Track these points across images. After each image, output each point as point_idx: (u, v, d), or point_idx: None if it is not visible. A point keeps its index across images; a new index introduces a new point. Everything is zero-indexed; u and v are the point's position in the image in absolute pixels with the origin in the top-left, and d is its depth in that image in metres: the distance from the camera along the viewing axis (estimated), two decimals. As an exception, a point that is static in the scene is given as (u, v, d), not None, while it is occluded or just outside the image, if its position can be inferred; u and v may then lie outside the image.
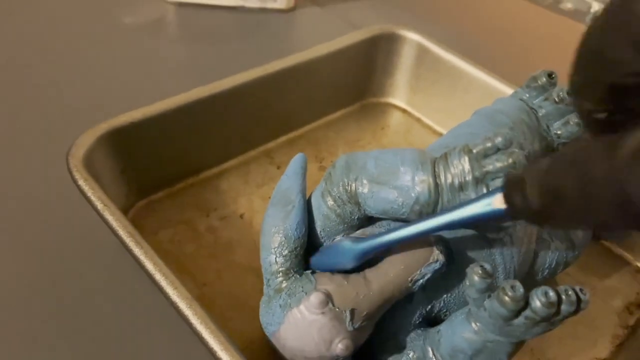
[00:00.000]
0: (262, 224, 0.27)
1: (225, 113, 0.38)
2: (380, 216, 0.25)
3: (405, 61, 0.46)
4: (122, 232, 0.27)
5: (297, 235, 0.25)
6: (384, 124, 0.46)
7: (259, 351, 0.30)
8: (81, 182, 0.29)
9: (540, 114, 0.32)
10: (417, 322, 0.26)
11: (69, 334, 0.29)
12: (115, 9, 0.53)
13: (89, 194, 0.28)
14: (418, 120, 0.47)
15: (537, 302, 0.20)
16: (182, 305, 0.24)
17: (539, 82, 0.33)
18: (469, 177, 0.23)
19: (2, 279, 0.31)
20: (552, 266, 0.28)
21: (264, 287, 0.26)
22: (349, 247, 0.24)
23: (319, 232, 0.26)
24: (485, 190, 0.22)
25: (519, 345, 0.23)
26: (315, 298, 0.23)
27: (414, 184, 0.23)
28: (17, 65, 0.45)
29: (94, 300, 0.30)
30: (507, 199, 0.19)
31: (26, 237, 0.33)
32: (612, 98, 0.16)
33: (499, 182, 0.22)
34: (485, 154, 0.23)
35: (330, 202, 0.25)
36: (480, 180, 0.23)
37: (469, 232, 0.26)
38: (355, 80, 0.46)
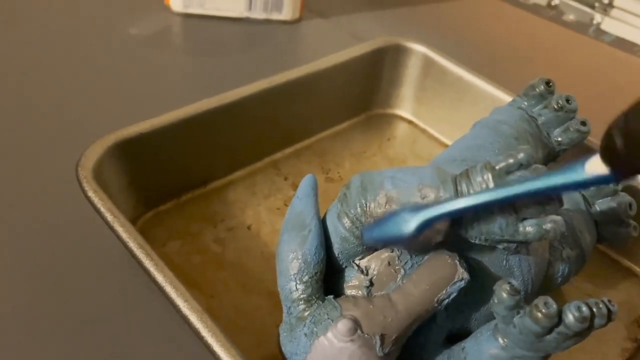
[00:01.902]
0: (278, 249, 0.26)
1: (232, 124, 0.38)
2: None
3: (411, 73, 0.46)
4: (132, 244, 0.27)
5: (316, 260, 0.25)
6: (390, 135, 0.46)
7: (268, 364, 0.30)
8: (91, 194, 0.29)
9: (540, 122, 0.32)
10: (440, 340, 0.26)
11: (78, 345, 0.29)
12: (121, 20, 0.53)
13: (99, 205, 0.28)
14: (424, 131, 0.47)
15: (570, 318, 0.20)
16: (193, 319, 0.24)
17: (537, 90, 0.33)
18: None
19: (11, 289, 0.31)
20: (565, 274, 0.28)
21: (284, 314, 0.25)
22: (409, 214, 0.23)
23: (336, 254, 0.26)
24: (511, 209, 0.22)
25: (545, 358, 0.23)
26: (343, 325, 0.22)
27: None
28: (25, 78, 0.45)
29: (103, 311, 0.30)
30: (603, 155, 0.18)
31: (34, 247, 0.33)
32: None
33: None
34: (508, 171, 0.22)
35: (348, 224, 0.25)
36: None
37: (486, 246, 0.25)
38: (361, 92, 0.46)
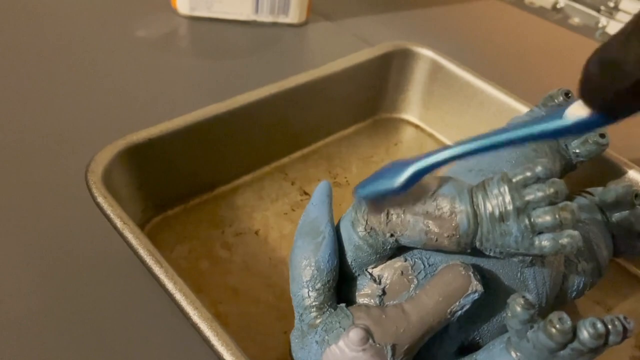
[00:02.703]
0: (291, 255, 0.26)
1: (239, 129, 0.38)
2: (416, 247, 0.25)
3: (418, 77, 0.46)
4: (142, 252, 0.27)
5: (329, 267, 0.25)
6: (397, 139, 0.46)
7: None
8: (100, 199, 0.29)
9: None
10: (452, 351, 0.25)
11: (86, 350, 0.29)
12: (128, 23, 0.53)
13: (109, 211, 0.28)
14: (431, 135, 0.47)
15: (585, 334, 0.20)
16: (204, 327, 0.24)
17: (556, 101, 0.33)
18: (510, 207, 0.22)
19: (20, 292, 0.31)
20: (580, 287, 0.28)
21: (296, 321, 0.25)
22: (400, 167, 0.23)
23: (349, 262, 0.26)
24: (527, 222, 0.22)
25: None
26: (355, 334, 0.22)
27: (452, 214, 0.23)
28: (34, 82, 0.45)
29: (111, 316, 0.30)
30: (582, 91, 0.18)
31: (43, 251, 0.33)
32: None
33: (541, 212, 0.22)
34: (525, 184, 0.22)
35: (362, 233, 0.25)
36: (521, 210, 0.22)
37: (500, 259, 0.25)
38: (368, 96, 0.46)
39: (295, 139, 0.42)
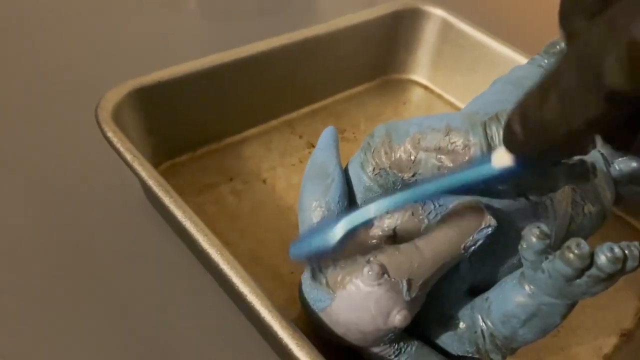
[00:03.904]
0: (300, 198, 0.26)
1: (248, 80, 0.38)
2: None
3: (428, 37, 0.46)
4: (151, 182, 0.27)
5: (339, 208, 0.25)
6: (405, 99, 0.46)
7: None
8: (110, 134, 0.29)
9: None
10: (463, 290, 0.25)
11: (94, 284, 0.29)
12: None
13: (118, 145, 0.28)
14: (439, 96, 0.46)
15: (603, 259, 0.20)
16: (212, 252, 0.24)
17: (558, 48, 0.32)
18: None
19: (29, 232, 0.31)
20: (586, 230, 0.28)
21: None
22: (332, 225, 0.22)
23: (359, 204, 0.25)
24: None
25: (572, 306, 0.22)
26: (370, 269, 0.22)
27: (466, 147, 0.23)
28: (50, 25, 0.45)
29: (119, 252, 0.30)
30: (506, 144, 0.19)
31: (54, 190, 0.33)
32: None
33: None
34: None
35: (372, 173, 0.25)
36: None
37: (511, 198, 0.25)
38: (377, 56, 0.46)
39: (303, 94, 0.42)
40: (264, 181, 0.36)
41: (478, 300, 0.25)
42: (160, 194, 0.26)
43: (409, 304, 0.23)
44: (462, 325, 0.25)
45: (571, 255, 0.20)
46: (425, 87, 0.47)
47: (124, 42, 0.46)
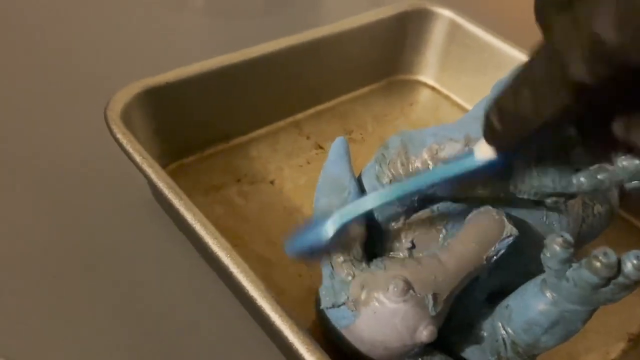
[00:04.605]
0: (315, 213, 0.26)
1: (255, 80, 0.38)
2: (446, 195, 0.24)
3: (435, 38, 0.45)
4: (160, 184, 0.27)
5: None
6: (412, 100, 0.46)
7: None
8: (119, 136, 0.29)
9: None
10: (482, 299, 0.25)
11: (100, 282, 0.29)
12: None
13: (128, 147, 0.28)
14: (447, 97, 0.46)
15: (630, 267, 0.20)
16: (222, 255, 0.24)
17: None
18: (547, 146, 0.22)
19: (38, 230, 0.31)
20: (595, 230, 0.28)
21: (325, 279, 0.24)
22: (324, 221, 0.23)
23: (375, 216, 0.25)
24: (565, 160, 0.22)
25: (593, 312, 0.22)
26: (396, 285, 0.22)
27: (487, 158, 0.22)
28: (57, 27, 0.45)
29: (126, 251, 0.30)
30: (485, 137, 0.20)
31: (61, 190, 0.33)
32: None
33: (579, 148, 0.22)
34: None
35: (388, 185, 0.24)
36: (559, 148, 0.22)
37: (526, 205, 0.25)
38: (385, 56, 0.46)
39: (310, 95, 0.42)
40: (271, 182, 0.36)
41: (498, 308, 0.25)
42: (170, 196, 0.26)
43: (435, 318, 0.22)
44: (483, 334, 0.25)
45: (599, 264, 0.20)
46: (433, 88, 0.47)
47: (132, 42, 0.46)
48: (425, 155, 0.23)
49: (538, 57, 0.17)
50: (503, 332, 0.24)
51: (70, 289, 0.29)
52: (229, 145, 0.38)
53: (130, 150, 0.28)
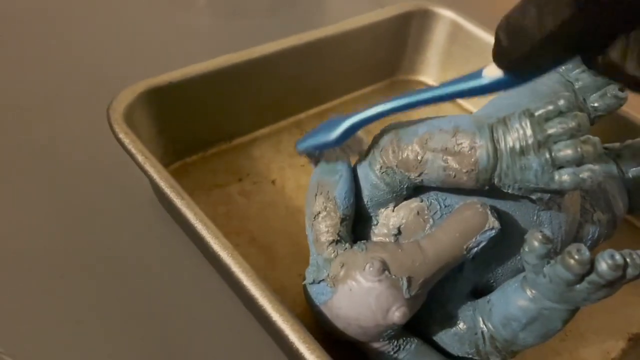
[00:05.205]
0: (308, 193, 0.26)
1: (258, 80, 0.38)
2: (434, 184, 0.24)
3: (437, 39, 0.46)
4: (163, 184, 0.27)
5: (346, 204, 0.25)
6: (414, 100, 0.46)
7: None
8: (122, 136, 0.29)
9: (577, 87, 0.32)
10: (466, 292, 0.25)
11: (101, 286, 0.29)
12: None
13: (130, 147, 0.28)
14: (448, 98, 0.46)
15: (603, 266, 0.20)
16: (224, 255, 0.24)
17: None
18: (530, 140, 0.22)
19: (41, 231, 0.31)
20: (595, 237, 0.28)
21: (311, 257, 0.25)
22: (336, 121, 0.25)
23: (366, 202, 0.26)
24: (548, 156, 0.22)
25: (574, 312, 0.22)
26: (372, 265, 0.23)
27: (472, 149, 0.22)
28: (60, 27, 0.45)
29: (128, 251, 0.31)
30: (494, 56, 0.20)
31: (64, 190, 0.33)
32: None
33: (562, 145, 0.22)
34: (547, 118, 0.22)
35: (379, 171, 0.25)
36: (542, 143, 0.22)
37: (517, 201, 0.25)
38: (386, 57, 0.46)
39: (312, 95, 0.42)
40: (273, 182, 0.37)
41: (480, 302, 0.25)
42: (172, 195, 0.27)
43: (409, 301, 0.23)
44: (463, 326, 0.25)
45: (571, 261, 0.20)
46: (434, 89, 0.47)
47: (135, 42, 0.46)
48: (416, 145, 0.24)
49: None
50: (483, 326, 0.24)
51: (72, 288, 0.29)
52: (231, 145, 0.39)
53: (132, 149, 0.28)
